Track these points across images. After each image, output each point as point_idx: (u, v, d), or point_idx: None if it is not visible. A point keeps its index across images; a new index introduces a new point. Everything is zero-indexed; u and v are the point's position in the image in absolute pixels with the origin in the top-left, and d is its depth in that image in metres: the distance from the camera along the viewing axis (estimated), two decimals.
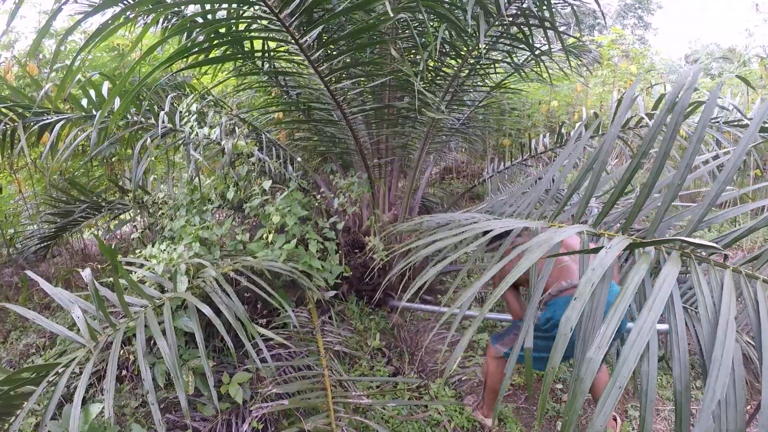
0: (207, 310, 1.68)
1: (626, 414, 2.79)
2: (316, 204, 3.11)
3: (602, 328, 1.03)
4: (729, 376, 0.94)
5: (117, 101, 2.69)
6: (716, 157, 2.15)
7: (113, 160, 4.43)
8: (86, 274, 1.62)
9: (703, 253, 1.20)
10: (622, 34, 7.59)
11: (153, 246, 2.19)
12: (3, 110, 2.80)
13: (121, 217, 3.51)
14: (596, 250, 1.26)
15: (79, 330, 1.73)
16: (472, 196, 5.75)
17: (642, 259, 1.17)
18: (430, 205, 5.00)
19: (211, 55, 2.28)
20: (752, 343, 2.49)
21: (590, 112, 4.76)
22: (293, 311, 2.64)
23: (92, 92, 2.86)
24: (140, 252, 2.23)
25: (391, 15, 1.65)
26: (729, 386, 0.94)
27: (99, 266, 3.27)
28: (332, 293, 2.53)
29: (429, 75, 3.02)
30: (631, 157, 1.44)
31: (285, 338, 2.31)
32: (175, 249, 2.12)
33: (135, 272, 2.06)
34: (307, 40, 1.92)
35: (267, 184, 2.42)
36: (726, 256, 1.28)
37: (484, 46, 2.78)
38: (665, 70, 8.89)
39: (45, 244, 3.94)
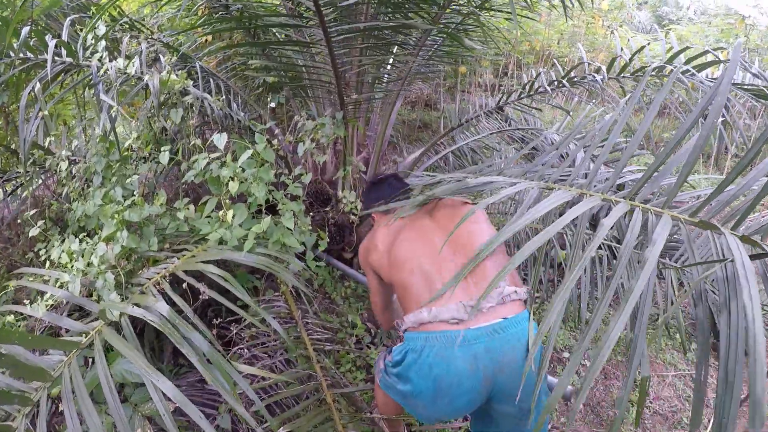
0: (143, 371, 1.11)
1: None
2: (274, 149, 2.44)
3: None
4: None
5: None
6: None
7: (11, 108, 3.39)
8: None
9: None
10: None
11: (63, 244, 1.51)
12: None
13: (20, 190, 2.64)
14: None
15: None
16: (421, 126, 5.34)
17: None
18: (391, 140, 4.52)
19: None
20: None
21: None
22: (265, 298, 2.11)
23: None
24: (45, 253, 1.55)
25: None
26: None
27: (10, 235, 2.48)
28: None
29: None
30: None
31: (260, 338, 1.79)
32: (94, 247, 1.47)
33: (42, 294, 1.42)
34: None
35: (221, 140, 1.72)
36: None
37: None
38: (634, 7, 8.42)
39: None
